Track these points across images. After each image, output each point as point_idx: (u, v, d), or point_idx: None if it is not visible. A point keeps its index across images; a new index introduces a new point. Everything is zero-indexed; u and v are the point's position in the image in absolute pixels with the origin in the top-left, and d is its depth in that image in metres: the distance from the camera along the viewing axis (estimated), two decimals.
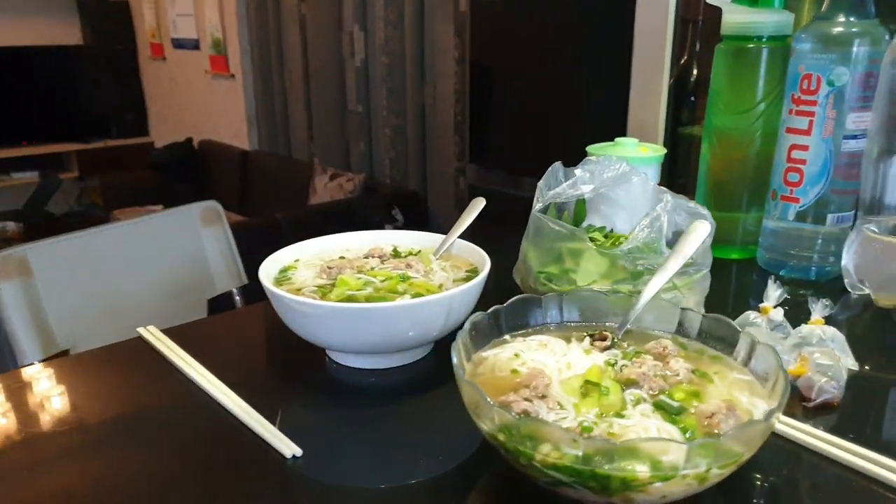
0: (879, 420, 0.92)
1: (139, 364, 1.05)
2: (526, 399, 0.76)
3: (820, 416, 0.90)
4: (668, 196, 1.09)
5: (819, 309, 1.04)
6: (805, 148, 1.27)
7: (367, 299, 0.98)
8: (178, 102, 5.42)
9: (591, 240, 1.09)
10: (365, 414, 0.90)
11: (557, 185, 1.18)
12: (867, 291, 1.24)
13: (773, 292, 1.08)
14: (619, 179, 1.22)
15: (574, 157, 1.26)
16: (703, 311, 1.11)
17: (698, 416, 0.73)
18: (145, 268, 1.83)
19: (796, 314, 1.06)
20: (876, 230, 1.23)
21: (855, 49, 1.21)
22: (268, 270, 1.06)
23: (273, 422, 0.88)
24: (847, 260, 1.26)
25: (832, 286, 1.31)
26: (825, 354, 0.96)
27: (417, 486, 0.79)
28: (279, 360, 1.07)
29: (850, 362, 0.97)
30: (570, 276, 1.09)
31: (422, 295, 0.98)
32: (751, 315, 1.08)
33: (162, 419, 0.92)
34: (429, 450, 0.85)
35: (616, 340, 0.89)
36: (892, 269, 1.20)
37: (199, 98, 5.15)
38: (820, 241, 1.31)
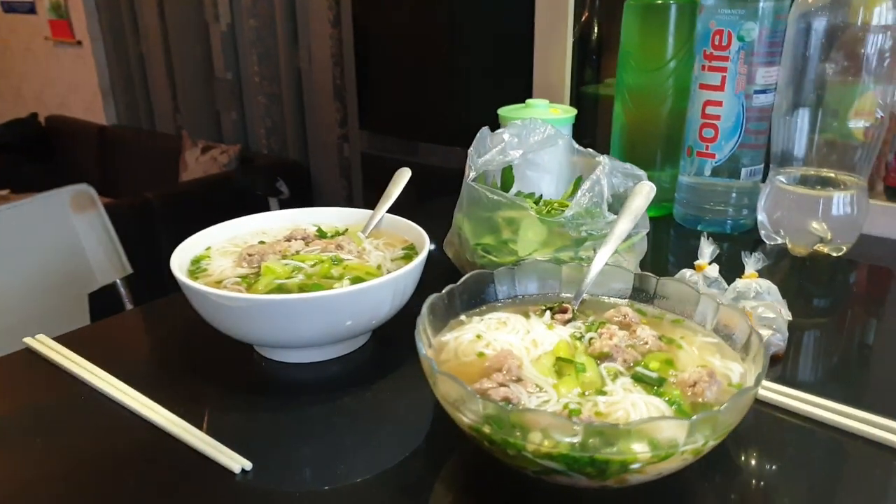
0: (820, 367, 0.95)
1: (32, 381, 0.91)
2: (502, 384, 0.71)
3: (769, 368, 0.91)
4: (605, 159, 1.06)
5: (752, 263, 1.05)
6: (719, 104, 1.29)
7: (301, 288, 0.89)
8: (14, 74, 4.89)
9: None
10: (310, 413, 0.82)
11: (487, 152, 1.13)
12: (781, 241, 1.28)
13: (707, 249, 1.08)
14: (545, 143, 1.18)
15: (474, 121, 1.20)
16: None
17: (680, 385, 0.71)
18: (11, 263, 1.61)
19: (725, 269, 1.07)
20: (786, 182, 1.27)
21: (762, 4, 1.23)
22: (180, 262, 0.94)
23: (212, 433, 0.78)
24: (762, 212, 1.30)
25: (747, 238, 1.34)
26: (767, 308, 0.97)
27: (382, 482, 0.72)
28: (200, 361, 0.95)
29: (786, 313, 0.99)
30: (510, 247, 1.04)
31: (362, 279, 0.90)
32: (686, 273, 1.08)
33: (76, 447, 0.79)
34: (386, 443, 0.78)
35: (576, 312, 0.85)
36: (804, 218, 1.24)
37: (41, 68, 4.67)
38: (734, 195, 1.34)
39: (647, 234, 1.08)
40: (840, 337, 1.04)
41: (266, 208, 3.63)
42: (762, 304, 0.98)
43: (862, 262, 1.25)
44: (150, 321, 1.13)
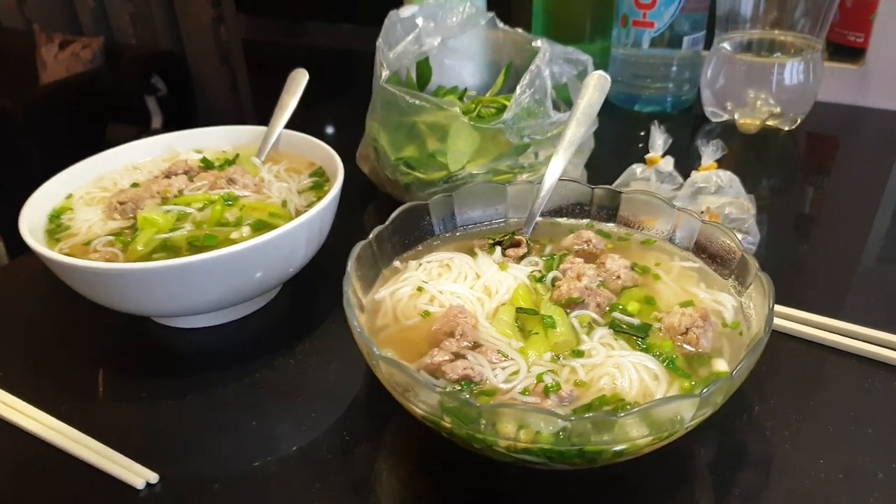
0: (797, 274, 0.86)
1: None
2: (457, 354, 0.57)
3: None
4: (544, 44, 0.88)
5: (711, 152, 0.93)
6: None
7: (190, 243, 0.71)
8: None
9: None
10: (223, 395, 0.68)
11: (398, 42, 0.93)
12: (727, 117, 1.17)
13: (659, 139, 0.95)
14: (466, 25, 0.99)
15: None
16: (586, 174, 0.97)
17: (668, 332, 0.59)
18: None
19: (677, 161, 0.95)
20: (732, 49, 1.14)
21: None
22: (32, 221, 0.73)
23: (105, 439, 0.62)
24: (706, 86, 1.17)
25: (685, 117, 1.22)
26: (734, 206, 0.86)
27: (318, 473, 0.60)
28: (80, 339, 0.77)
29: (753, 209, 0.88)
30: (437, 160, 0.88)
31: (266, 224, 0.73)
32: (637, 169, 0.96)
33: None
34: (318, 422, 0.65)
35: (530, 243, 0.71)
36: (752, 88, 1.12)
37: None
38: (675, 67, 1.20)
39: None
40: (812, 232, 0.95)
41: (143, 109, 3.26)
42: (727, 202, 0.87)
43: (821, 134, 1.15)
44: (12, 287, 0.91)
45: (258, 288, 0.71)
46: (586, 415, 0.47)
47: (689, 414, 0.49)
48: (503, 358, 0.57)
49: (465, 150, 0.86)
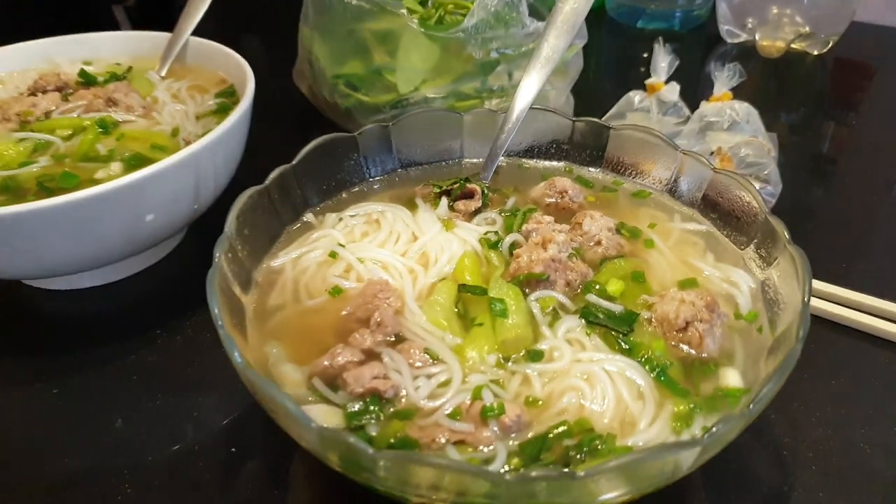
0: (825, 238, 0.69)
1: None
2: (370, 354, 0.41)
3: None
4: None
5: (725, 78, 0.75)
6: None
7: (42, 184, 0.54)
8: None
9: (409, 12, 0.69)
10: (84, 380, 0.52)
11: None
12: (746, 38, 0.98)
13: (662, 60, 0.77)
14: None
15: None
16: (572, 102, 0.79)
17: (662, 326, 0.44)
18: None
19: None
20: None
21: None
22: None
23: None
24: None
25: (696, 37, 1.03)
26: (751, 146, 0.69)
27: (186, 484, 0.45)
28: None
29: (775, 152, 0.71)
30: (385, 79, 0.70)
31: (144, 160, 0.56)
32: (635, 97, 0.78)
33: None
34: (198, 419, 0.50)
35: (487, 193, 0.54)
36: (777, 1, 0.93)
37: None
38: None
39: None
40: (847, 183, 0.78)
41: (112, 19, 2.99)
42: (743, 141, 0.70)
43: (856, 60, 0.97)
44: None
45: (135, 242, 0.55)
46: (532, 473, 0.31)
47: (685, 464, 0.34)
48: (431, 361, 0.41)
49: (419, 67, 0.68)
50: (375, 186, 0.56)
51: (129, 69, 0.68)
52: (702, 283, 0.47)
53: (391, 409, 0.39)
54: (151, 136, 0.59)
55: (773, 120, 0.74)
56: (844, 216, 0.71)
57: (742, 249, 0.49)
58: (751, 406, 0.34)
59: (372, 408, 0.39)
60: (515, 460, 0.36)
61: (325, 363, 0.41)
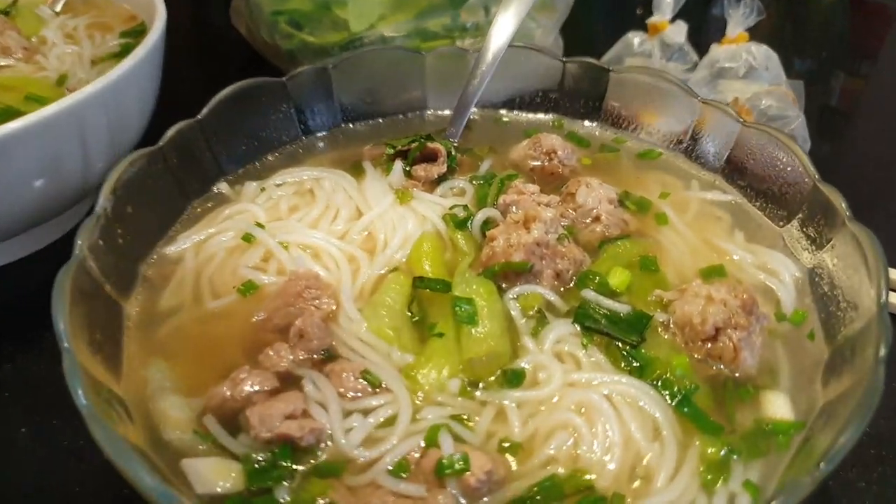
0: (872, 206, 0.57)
1: None
2: (285, 379, 0.30)
3: None
4: None
5: (741, 17, 0.63)
6: None
7: None
8: None
9: None
10: None
11: None
12: None
13: None
14: None
15: None
16: (561, 44, 0.67)
17: (683, 332, 0.33)
18: None
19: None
20: None
21: None
22: None
23: None
24: None
25: None
26: (772, 97, 0.58)
27: None
28: None
29: (801, 100, 0.60)
30: (335, 15, 0.58)
31: (14, 114, 0.44)
32: (634, 39, 0.66)
33: None
34: None
35: (455, 155, 0.43)
36: None
37: None
38: None
39: None
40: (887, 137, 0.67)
41: None
42: (763, 91, 0.58)
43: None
44: None
45: (9, 217, 0.43)
46: None
47: None
48: (371, 389, 0.30)
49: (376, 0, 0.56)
50: (312, 147, 0.44)
51: (15, 2, 0.56)
52: (731, 272, 0.36)
53: (311, 463, 0.28)
54: (29, 85, 0.47)
55: (799, 66, 0.63)
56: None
57: (781, 227, 0.38)
58: (821, 465, 0.24)
59: (283, 462, 0.28)
60: None
61: (225, 393, 0.30)
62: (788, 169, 0.39)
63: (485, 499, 0.27)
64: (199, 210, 0.40)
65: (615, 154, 0.45)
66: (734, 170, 0.42)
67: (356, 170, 0.43)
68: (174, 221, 0.39)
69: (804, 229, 0.37)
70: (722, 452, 0.29)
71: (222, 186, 0.42)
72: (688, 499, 0.27)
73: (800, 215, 0.38)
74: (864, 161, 0.64)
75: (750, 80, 0.63)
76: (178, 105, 0.50)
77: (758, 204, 0.41)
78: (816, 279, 0.36)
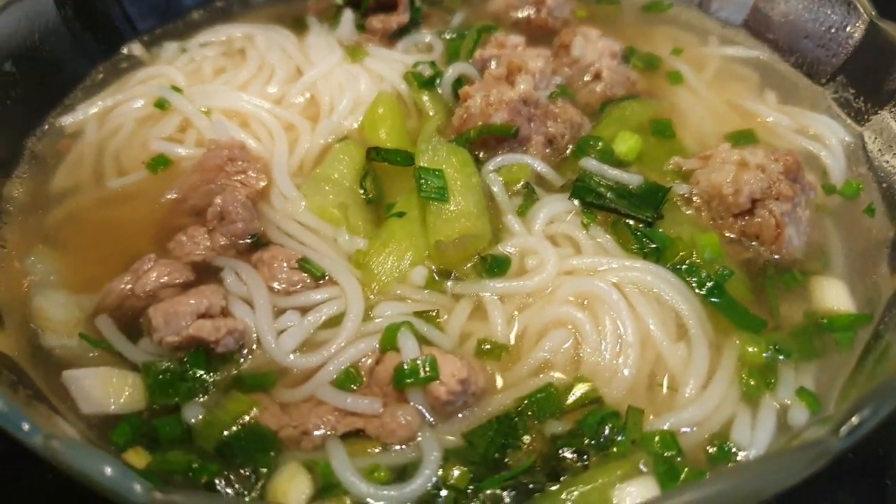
0: None
1: None
2: (201, 271, 0.23)
3: None
4: None
5: None
6: None
7: None
8: None
9: None
10: None
11: None
12: None
13: None
14: None
15: None
16: None
17: (711, 206, 0.26)
18: None
19: None
20: None
21: None
22: None
23: None
24: None
25: None
26: None
27: None
28: None
29: None
30: None
31: None
32: None
33: None
34: None
35: (419, 7, 0.35)
36: None
37: None
38: None
39: None
40: None
41: None
42: None
43: None
44: None
45: None
46: None
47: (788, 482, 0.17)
48: (312, 281, 0.23)
49: None
50: (246, 2, 0.36)
51: None
52: (762, 136, 0.29)
53: (231, 374, 0.21)
54: None
55: None
56: None
57: (824, 85, 0.31)
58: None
59: (194, 372, 0.21)
60: (457, 471, 0.19)
61: (124, 288, 0.23)
62: (829, 11, 0.32)
63: (460, 415, 0.21)
64: (104, 75, 0.33)
65: (616, 6, 0.37)
66: (760, 21, 0.35)
67: (298, 26, 0.35)
68: (73, 88, 0.32)
69: (855, 85, 0.30)
70: (766, 354, 0.23)
71: (134, 48, 0.34)
72: (725, 413, 0.21)
73: (848, 68, 0.30)
74: None
75: None
76: None
77: (792, 60, 0.33)
78: (873, 143, 0.29)
